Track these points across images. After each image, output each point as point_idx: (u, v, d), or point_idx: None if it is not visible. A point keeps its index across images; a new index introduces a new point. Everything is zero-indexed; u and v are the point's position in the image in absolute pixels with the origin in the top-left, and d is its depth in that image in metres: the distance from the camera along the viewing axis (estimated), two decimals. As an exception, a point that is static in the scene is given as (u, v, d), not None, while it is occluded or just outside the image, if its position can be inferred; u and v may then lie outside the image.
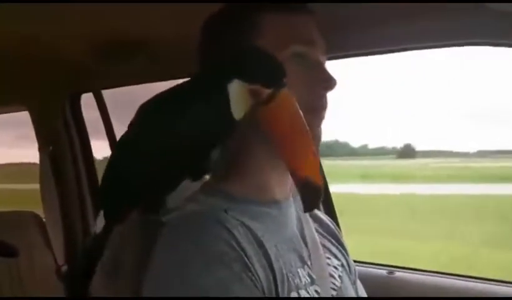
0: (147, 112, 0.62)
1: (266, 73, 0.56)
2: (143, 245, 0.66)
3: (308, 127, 0.57)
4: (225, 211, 0.62)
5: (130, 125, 0.63)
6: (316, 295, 0.66)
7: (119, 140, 0.66)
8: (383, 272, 1.38)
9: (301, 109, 0.61)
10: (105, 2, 0.84)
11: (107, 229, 0.66)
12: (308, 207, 0.59)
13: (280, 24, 0.64)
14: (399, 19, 0.92)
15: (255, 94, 0.56)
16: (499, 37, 0.87)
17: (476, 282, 1.28)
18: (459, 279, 1.31)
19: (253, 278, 0.58)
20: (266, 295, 0.59)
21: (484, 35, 0.89)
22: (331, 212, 1.47)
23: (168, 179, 0.63)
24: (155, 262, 0.60)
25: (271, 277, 0.60)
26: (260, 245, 0.61)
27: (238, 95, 0.57)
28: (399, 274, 1.38)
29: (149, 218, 0.66)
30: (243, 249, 0.58)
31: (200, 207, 0.64)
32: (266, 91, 0.56)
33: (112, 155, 0.68)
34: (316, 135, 0.68)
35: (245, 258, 0.58)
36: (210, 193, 0.67)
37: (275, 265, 0.61)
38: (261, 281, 0.58)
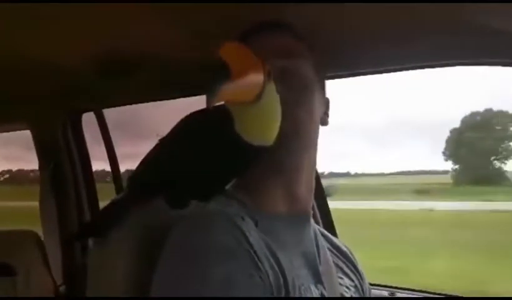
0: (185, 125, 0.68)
1: None
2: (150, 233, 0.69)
3: None
4: (242, 218, 0.65)
5: (173, 129, 0.69)
6: None
7: (166, 137, 0.70)
8: (384, 293, 1.36)
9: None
10: (107, 2, 0.83)
11: (127, 204, 0.72)
12: None
13: (258, 43, 0.70)
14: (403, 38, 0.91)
15: None
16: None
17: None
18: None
19: (262, 277, 0.59)
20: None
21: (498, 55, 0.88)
22: (330, 227, 1.46)
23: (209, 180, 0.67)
24: (166, 253, 0.61)
25: (282, 283, 0.61)
26: (272, 253, 0.63)
27: None
28: (400, 295, 1.35)
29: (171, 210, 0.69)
30: (254, 251, 0.60)
31: (218, 208, 0.67)
32: None
33: (157, 146, 0.72)
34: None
35: (255, 258, 0.59)
36: (229, 197, 0.70)
37: (288, 275, 0.62)
38: (271, 283, 0.60)
